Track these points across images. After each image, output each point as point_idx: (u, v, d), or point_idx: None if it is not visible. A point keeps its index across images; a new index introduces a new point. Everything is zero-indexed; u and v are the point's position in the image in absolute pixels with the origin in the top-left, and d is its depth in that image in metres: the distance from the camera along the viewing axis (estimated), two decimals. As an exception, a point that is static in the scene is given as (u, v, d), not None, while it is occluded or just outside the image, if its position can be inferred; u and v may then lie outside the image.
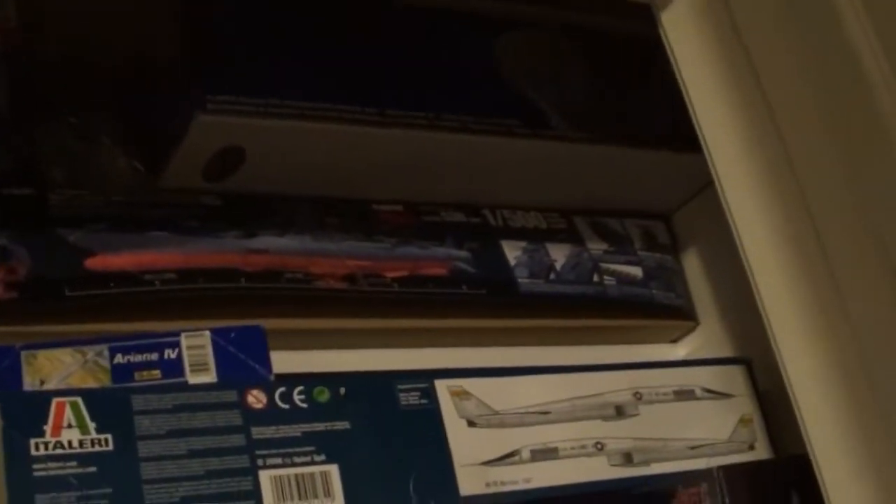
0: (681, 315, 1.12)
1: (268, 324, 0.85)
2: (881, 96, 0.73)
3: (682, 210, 1.16)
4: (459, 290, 0.99)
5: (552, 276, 1.04)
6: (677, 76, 0.88)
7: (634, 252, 1.11)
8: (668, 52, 0.88)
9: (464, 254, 1.01)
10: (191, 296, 0.88)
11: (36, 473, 0.72)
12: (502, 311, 1.01)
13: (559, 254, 1.06)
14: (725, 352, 1.09)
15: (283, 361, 0.84)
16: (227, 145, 0.89)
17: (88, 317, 0.85)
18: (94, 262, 0.86)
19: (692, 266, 1.15)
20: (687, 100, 0.88)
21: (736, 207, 0.86)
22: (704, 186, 1.10)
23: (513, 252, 1.03)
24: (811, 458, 0.81)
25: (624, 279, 1.08)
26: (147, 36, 0.93)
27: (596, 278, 1.06)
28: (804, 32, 0.79)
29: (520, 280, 1.02)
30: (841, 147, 0.79)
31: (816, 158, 0.80)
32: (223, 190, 0.93)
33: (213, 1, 0.92)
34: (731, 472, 0.82)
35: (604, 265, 1.08)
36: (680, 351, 1.13)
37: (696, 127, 0.88)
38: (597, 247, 1.09)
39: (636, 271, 1.10)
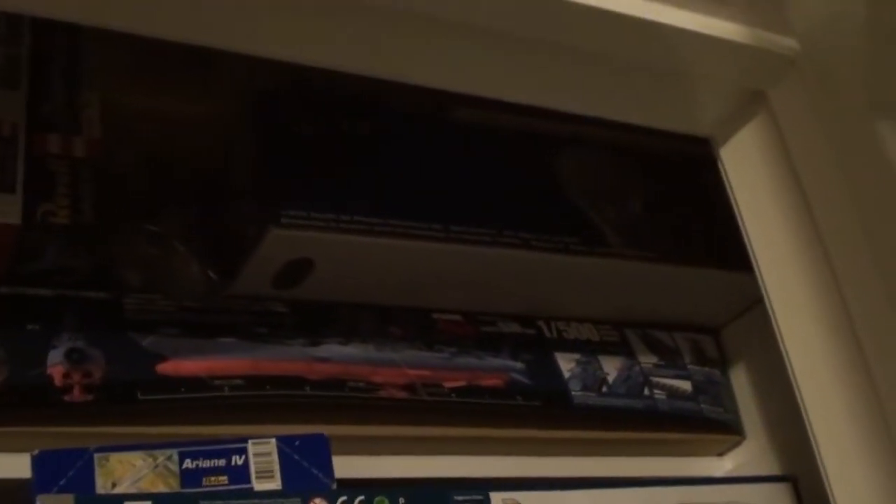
0: (728, 429, 1.14)
1: (330, 430, 0.87)
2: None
3: (730, 325, 1.18)
4: (515, 401, 1.01)
5: (604, 388, 1.06)
6: (732, 203, 0.91)
7: (684, 366, 1.13)
8: (725, 181, 0.91)
9: (519, 365, 1.03)
10: (258, 402, 0.90)
11: (108, 576, 0.75)
12: (556, 422, 1.03)
13: (611, 366, 1.08)
14: (771, 467, 1.10)
15: (344, 466, 0.86)
16: (298, 257, 0.93)
17: (159, 420, 0.88)
18: (166, 367, 0.89)
19: (740, 381, 1.16)
20: (741, 224, 0.91)
21: (785, 327, 0.89)
22: (753, 303, 1.12)
23: (567, 364, 1.06)
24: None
25: (674, 393, 1.10)
26: (223, 148, 0.97)
27: (646, 392, 1.09)
28: (853, 165, 0.83)
29: (573, 392, 1.04)
30: (885, 273, 0.82)
31: (862, 284, 0.83)
32: (290, 297, 0.97)
33: (283, 117, 0.96)
34: None
35: (654, 379, 1.10)
36: (726, 464, 1.14)
37: (749, 249, 0.91)
38: (647, 360, 1.11)
39: (685, 385, 1.12)
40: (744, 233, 0.91)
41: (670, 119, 0.91)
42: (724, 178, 0.91)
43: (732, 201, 0.91)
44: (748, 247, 0.91)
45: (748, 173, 0.89)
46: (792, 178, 0.85)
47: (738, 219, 0.91)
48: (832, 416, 0.85)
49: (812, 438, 0.86)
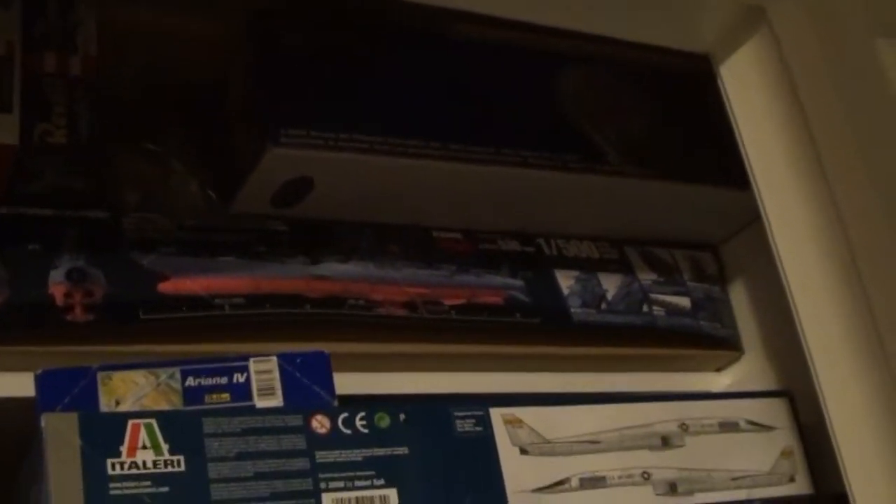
0: (726, 345, 1.14)
1: (330, 348, 0.88)
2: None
3: (729, 242, 1.18)
4: (514, 318, 1.02)
5: (603, 305, 1.07)
6: (731, 120, 0.91)
7: (683, 283, 1.14)
8: (724, 98, 0.91)
9: (518, 283, 1.04)
10: (258, 320, 0.91)
11: (112, 492, 0.75)
12: (555, 339, 1.04)
13: (610, 284, 1.09)
14: (768, 382, 1.11)
15: (344, 383, 0.87)
16: (297, 176, 0.93)
17: (161, 339, 0.88)
18: (167, 286, 0.90)
19: (738, 297, 1.17)
20: (739, 142, 0.91)
21: (782, 245, 0.89)
22: (752, 220, 1.12)
23: (566, 281, 1.06)
24: (848, 493, 0.84)
25: (672, 309, 1.11)
26: (221, 66, 0.96)
27: (645, 308, 1.09)
28: (852, 85, 0.83)
29: (572, 309, 1.05)
30: (882, 192, 0.82)
31: (860, 202, 0.84)
32: (289, 216, 0.97)
33: (282, 35, 0.95)
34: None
35: (653, 295, 1.10)
36: (724, 380, 1.16)
37: (747, 167, 0.91)
38: (646, 277, 1.12)
39: (684, 302, 1.12)
40: (742, 150, 0.91)
41: (669, 36, 0.91)
42: (724, 96, 0.91)
43: (731, 119, 0.91)
44: (746, 164, 0.91)
45: (747, 91, 0.89)
46: (791, 96, 0.85)
47: (737, 136, 0.91)
48: (827, 332, 0.86)
49: (807, 355, 0.87)
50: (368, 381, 0.94)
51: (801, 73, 0.84)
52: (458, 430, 0.87)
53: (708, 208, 1.11)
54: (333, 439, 0.83)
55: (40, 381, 0.81)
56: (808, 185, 0.86)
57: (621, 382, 1.07)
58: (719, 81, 0.91)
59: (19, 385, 0.82)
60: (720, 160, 1.07)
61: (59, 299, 0.86)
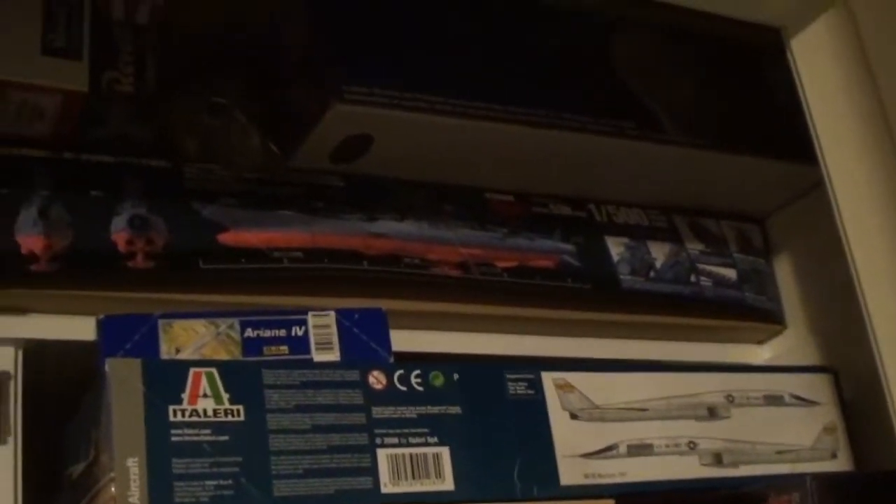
0: (770, 318, 1.15)
1: (385, 305, 0.90)
2: None
3: (777, 215, 1.19)
4: (565, 283, 1.02)
5: (652, 273, 1.07)
6: (800, 94, 0.91)
7: (730, 254, 1.14)
8: (794, 72, 0.91)
9: (570, 247, 1.05)
10: (316, 275, 0.92)
11: (173, 438, 0.76)
12: (604, 305, 1.04)
13: (659, 252, 1.09)
14: (808, 357, 1.11)
15: (398, 340, 0.89)
16: (358, 132, 0.93)
17: (220, 289, 0.89)
18: (227, 238, 0.90)
19: (783, 271, 1.18)
20: (808, 116, 0.91)
21: (848, 218, 0.89)
22: (801, 194, 1.13)
23: (616, 248, 1.07)
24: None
25: (719, 280, 1.11)
26: (288, 19, 0.96)
27: (693, 278, 1.10)
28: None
29: (622, 276, 1.06)
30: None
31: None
32: (347, 172, 0.97)
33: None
34: (822, 483, 0.84)
35: (700, 266, 1.11)
36: (765, 353, 1.16)
37: (815, 141, 0.90)
38: (694, 247, 1.12)
39: (731, 273, 1.13)
40: (811, 125, 0.90)
41: (742, 7, 0.90)
42: (794, 70, 0.91)
43: (800, 93, 0.90)
44: (814, 139, 0.90)
45: (819, 65, 0.89)
46: (864, 72, 0.85)
47: (805, 110, 0.90)
48: (891, 308, 0.85)
49: (869, 329, 0.86)
50: (422, 339, 0.95)
51: (875, 49, 0.84)
52: (511, 392, 0.88)
53: (757, 180, 1.11)
54: (389, 395, 0.84)
55: (104, 327, 0.82)
56: (878, 161, 0.86)
57: (665, 351, 1.07)
58: (789, 55, 0.91)
59: (80, 329, 0.84)
60: (772, 133, 1.08)
61: (122, 246, 0.87)
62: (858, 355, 0.89)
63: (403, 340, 0.90)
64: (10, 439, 0.81)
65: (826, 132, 0.89)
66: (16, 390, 0.82)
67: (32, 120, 0.86)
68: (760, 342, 1.16)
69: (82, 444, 0.82)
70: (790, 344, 1.15)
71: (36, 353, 0.84)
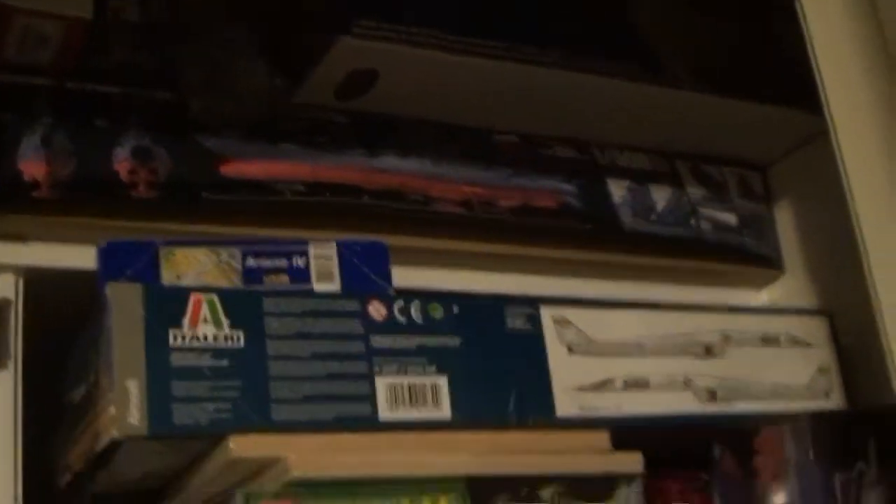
0: (768, 264, 1.16)
1: (387, 240, 0.90)
2: None
3: (778, 163, 1.19)
4: (567, 222, 1.03)
5: (653, 216, 1.08)
6: (806, 39, 0.91)
7: (730, 200, 1.15)
8: (801, 21, 0.90)
9: (572, 188, 1.05)
10: (318, 208, 0.93)
11: (173, 363, 0.77)
12: (605, 246, 1.05)
13: (660, 195, 1.10)
14: (804, 302, 1.12)
15: (399, 275, 0.89)
16: (364, 67, 0.93)
17: (222, 220, 0.90)
18: (229, 168, 0.91)
19: (783, 218, 1.18)
20: (813, 61, 0.90)
21: (851, 164, 0.88)
22: (803, 142, 1.13)
23: (618, 190, 1.08)
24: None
25: (719, 225, 1.12)
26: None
27: (693, 222, 1.10)
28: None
29: (623, 218, 1.06)
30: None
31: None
32: (351, 108, 0.98)
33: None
34: (815, 418, 0.85)
35: (701, 210, 1.11)
36: (762, 298, 1.17)
37: (820, 86, 0.90)
38: (696, 191, 1.13)
39: (731, 218, 1.13)
40: (817, 74, 0.90)
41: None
42: (801, 17, 0.90)
43: (808, 42, 0.90)
44: (820, 89, 0.90)
45: (827, 14, 0.88)
46: (873, 23, 0.85)
47: (812, 59, 0.90)
48: (891, 249, 0.86)
49: (867, 271, 0.86)
50: (423, 275, 0.96)
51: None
52: (509, 325, 0.89)
53: (760, 127, 1.12)
54: (389, 325, 0.84)
55: (104, 253, 0.83)
56: (883, 111, 0.86)
57: (664, 293, 1.08)
58: (797, 2, 0.91)
59: (82, 257, 0.84)
60: (777, 80, 1.08)
61: (124, 175, 0.88)
62: (853, 301, 0.90)
63: (404, 276, 0.90)
64: (11, 363, 0.82)
65: (832, 81, 0.88)
66: (16, 317, 0.83)
67: (36, 47, 0.86)
68: (758, 287, 1.17)
69: (83, 369, 0.83)
70: (787, 289, 1.16)
71: (37, 283, 0.84)
